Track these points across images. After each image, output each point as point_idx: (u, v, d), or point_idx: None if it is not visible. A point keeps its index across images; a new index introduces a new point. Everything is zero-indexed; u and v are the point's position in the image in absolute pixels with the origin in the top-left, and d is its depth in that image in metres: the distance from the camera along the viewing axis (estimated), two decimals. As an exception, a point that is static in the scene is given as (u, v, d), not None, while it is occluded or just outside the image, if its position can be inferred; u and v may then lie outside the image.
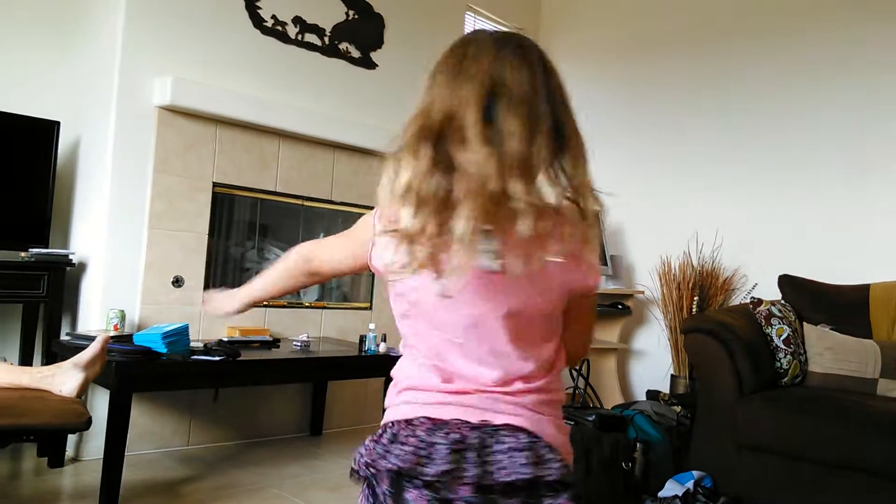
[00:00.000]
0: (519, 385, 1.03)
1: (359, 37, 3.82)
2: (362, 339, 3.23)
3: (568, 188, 1.01)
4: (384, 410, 1.12)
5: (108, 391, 2.47)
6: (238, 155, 3.31)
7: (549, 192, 1.00)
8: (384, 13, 3.93)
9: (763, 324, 3.05)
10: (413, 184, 0.96)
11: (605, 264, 4.18)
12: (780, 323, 3.04)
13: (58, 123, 2.98)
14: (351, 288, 3.98)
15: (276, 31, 3.45)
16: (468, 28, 4.58)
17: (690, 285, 3.91)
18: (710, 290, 3.93)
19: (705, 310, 3.82)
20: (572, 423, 2.85)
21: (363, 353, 3.19)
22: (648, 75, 4.52)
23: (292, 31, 3.52)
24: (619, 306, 4.14)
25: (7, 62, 3.04)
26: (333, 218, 3.86)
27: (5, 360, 2.60)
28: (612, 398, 4.07)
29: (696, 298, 3.87)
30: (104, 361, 2.19)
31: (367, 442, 1.07)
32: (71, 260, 2.90)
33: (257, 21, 3.38)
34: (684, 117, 4.32)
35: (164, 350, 2.54)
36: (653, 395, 3.60)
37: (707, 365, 2.92)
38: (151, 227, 3.04)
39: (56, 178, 2.98)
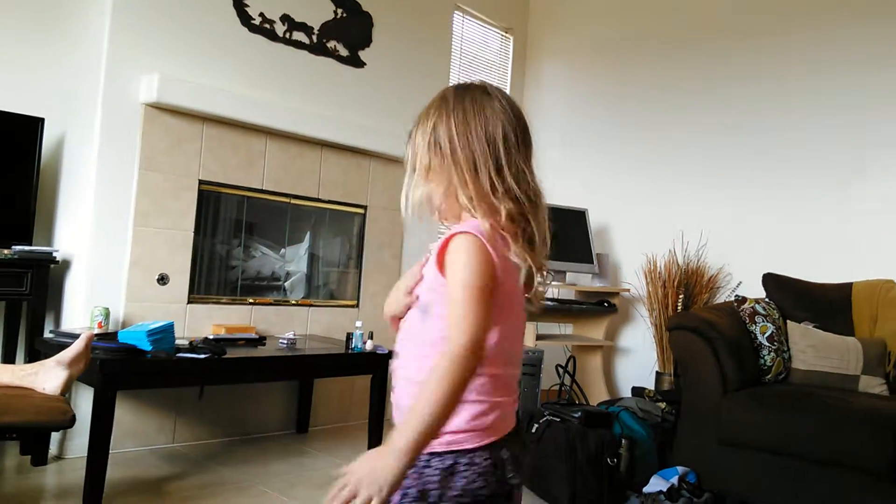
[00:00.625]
0: None
1: (347, 35, 3.82)
2: (349, 336, 3.24)
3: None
4: None
5: (93, 389, 2.45)
6: (225, 153, 3.30)
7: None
8: (372, 12, 3.93)
9: (747, 321, 3.08)
10: None
11: (592, 262, 4.20)
12: (763, 321, 3.07)
13: (42, 120, 2.95)
14: (338, 286, 3.98)
15: (263, 29, 3.44)
16: (456, 28, 4.58)
17: (676, 283, 3.94)
18: (695, 288, 3.96)
19: (690, 308, 3.85)
20: (558, 419, 2.86)
21: (350, 351, 3.20)
22: (635, 75, 4.54)
23: (280, 29, 3.51)
24: (605, 304, 4.17)
25: (-10, 58, 3.02)
26: (321, 216, 3.85)
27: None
28: (597, 395, 4.10)
29: (681, 296, 3.90)
30: (88, 359, 2.18)
31: None
32: (55, 257, 2.88)
33: (245, 19, 3.37)
34: (671, 117, 4.35)
35: (149, 348, 2.53)
36: (638, 391, 3.62)
37: (692, 362, 2.94)
38: (136, 224, 3.02)
39: (40, 174, 2.96)
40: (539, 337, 3.89)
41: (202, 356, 2.65)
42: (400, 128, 3.99)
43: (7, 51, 3.04)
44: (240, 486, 2.72)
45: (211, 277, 3.41)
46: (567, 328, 4.49)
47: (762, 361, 3.00)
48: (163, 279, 3.11)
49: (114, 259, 2.98)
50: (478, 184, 1.11)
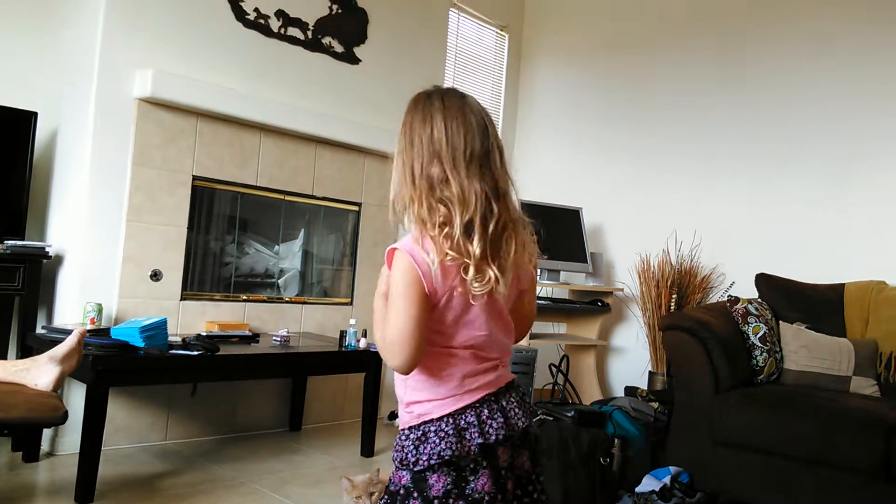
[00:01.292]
0: None
1: (342, 31, 3.81)
2: (342, 334, 3.23)
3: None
4: None
5: (85, 385, 2.44)
6: (219, 148, 3.28)
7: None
8: (367, 8, 3.92)
9: (740, 322, 3.09)
10: None
11: (585, 261, 4.21)
12: (756, 321, 3.08)
13: (35, 114, 2.94)
14: (332, 283, 3.97)
15: (258, 25, 3.43)
16: (452, 25, 4.58)
17: (669, 283, 3.95)
18: (688, 288, 3.97)
19: (683, 307, 3.86)
20: (551, 418, 2.87)
21: (343, 349, 3.19)
22: (629, 74, 4.55)
23: (275, 24, 3.50)
24: (599, 303, 4.17)
25: (-17, 51, 3.00)
26: (315, 213, 3.84)
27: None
28: (590, 394, 4.10)
29: (674, 296, 3.91)
30: (81, 355, 2.17)
31: None
32: (47, 252, 2.86)
33: (239, 14, 3.36)
34: (665, 116, 4.36)
35: (141, 344, 2.52)
36: (631, 391, 3.63)
37: (684, 362, 2.95)
38: (129, 220, 3.01)
39: (33, 169, 2.95)
40: (532, 336, 3.89)
41: (195, 353, 2.64)
42: (394, 125, 3.98)
43: (0, 44, 3.02)
44: (232, 484, 2.71)
45: (204, 274, 3.40)
46: (560, 327, 4.50)
47: (754, 362, 3.01)
48: (156, 275, 3.10)
49: (107, 255, 2.97)
50: (414, 186, 1.25)
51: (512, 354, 3.62)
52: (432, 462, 1.22)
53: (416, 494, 1.23)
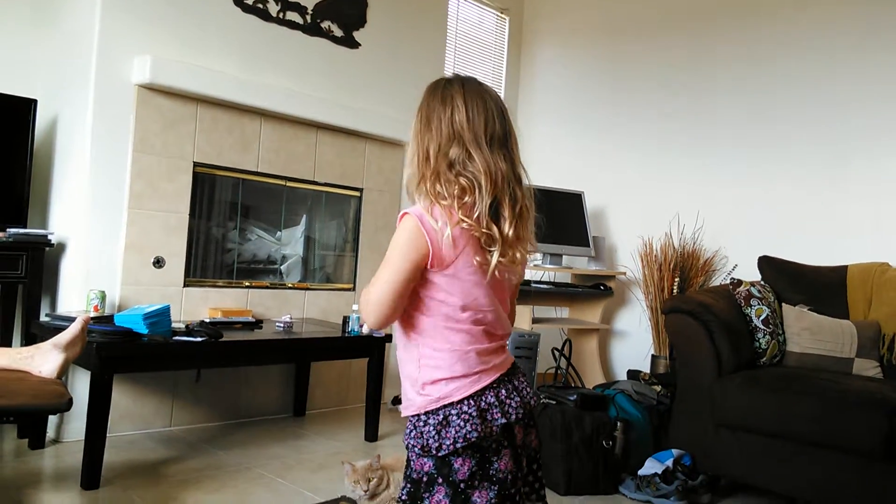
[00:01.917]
0: None
1: (341, 15, 3.78)
2: (345, 319, 3.23)
3: None
4: None
5: (90, 372, 2.45)
6: (219, 135, 3.27)
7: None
8: (367, -9, 3.90)
9: (742, 304, 3.08)
10: None
11: (588, 245, 4.20)
12: (759, 304, 3.08)
13: (35, 101, 2.93)
14: (334, 269, 3.97)
15: (257, 9, 3.41)
16: (451, 8, 4.54)
17: (671, 266, 3.95)
18: (690, 272, 3.96)
19: (686, 291, 3.86)
20: (554, 402, 2.87)
21: (346, 335, 3.20)
22: (631, 57, 4.52)
23: (273, 8, 3.48)
24: (602, 287, 4.17)
25: (-19, 38, 2.98)
26: (317, 199, 3.84)
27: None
28: (593, 378, 4.11)
29: (676, 279, 3.91)
30: (84, 342, 2.17)
31: None
32: (49, 240, 2.86)
33: (238, -2, 3.33)
34: (667, 99, 4.33)
35: (145, 331, 2.52)
36: (633, 374, 3.63)
37: (687, 345, 2.95)
38: (131, 207, 3.00)
39: (33, 157, 2.94)
40: (535, 320, 3.89)
41: (199, 339, 2.64)
42: (395, 110, 3.98)
43: (-2, 31, 3.01)
44: (237, 469, 2.73)
45: (207, 260, 3.40)
46: (563, 311, 4.50)
47: (757, 344, 3.01)
48: (158, 262, 3.10)
49: (109, 242, 2.97)
50: (428, 165, 1.27)
51: (514, 339, 3.64)
52: (458, 446, 1.21)
53: (440, 480, 1.22)
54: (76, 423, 2.79)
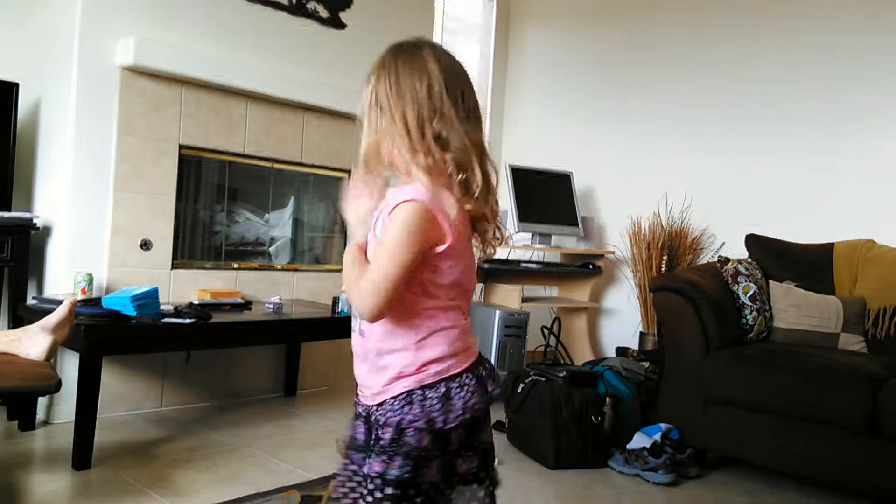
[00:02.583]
0: None
1: (327, -5, 3.75)
2: (335, 301, 3.24)
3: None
4: None
5: (78, 354, 2.45)
6: (204, 117, 3.25)
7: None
8: (353, -29, 3.86)
9: (730, 282, 3.11)
10: None
11: (576, 225, 4.21)
12: (746, 281, 3.10)
13: (17, 85, 2.90)
14: (323, 250, 3.97)
15: (241, -11, 3.37)
16: (439, -13, 4.51)
17: (660, 245, 3.97)
18: (678, 250, 3.99)
19: (674, 269, 3.88)
20: (544, 379, 2.89)
21: (336, 315, 3.20)
22: (617, 37, 4.51)
23: (258, -12, 3.44)
24: (590, 266, 4.19)
25: (-39, 20, 2.94)
26: (304, 181, 3.83)
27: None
28: (582, 355, 4.14)
29: (665, 258, 3.93)
30: (72, 325, 2.17)
31: None
32: (35, 223, 2.84)
33: (222, -22, 3.30)
34: (654, 78, 4.33)
35: (133, 313, 2.52)
36: (622, 351, 3.67)
37: (675, 322, 2.97)
38: (117, 189, 2.99)
39: (17, 140, 2.91)
40: (525, 299, 3.91)
41: (187, 321, 2.64)
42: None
43: (-22, 12, 2.97)
44: (229, 449, 2.74)
45: (194, 243, 3.39)
46: (552, 290, 4.52)
47: (744, 321, 3.04)
48: (146, 245, 3.09)
49: (95, 225, 2.95)
50: (412, 138, 1.21)
51: (504, 318, 3.65)
52: (465, 417, 1.19)
53: (438, 454, 1.20)
54: (66, 405, 2.79)
